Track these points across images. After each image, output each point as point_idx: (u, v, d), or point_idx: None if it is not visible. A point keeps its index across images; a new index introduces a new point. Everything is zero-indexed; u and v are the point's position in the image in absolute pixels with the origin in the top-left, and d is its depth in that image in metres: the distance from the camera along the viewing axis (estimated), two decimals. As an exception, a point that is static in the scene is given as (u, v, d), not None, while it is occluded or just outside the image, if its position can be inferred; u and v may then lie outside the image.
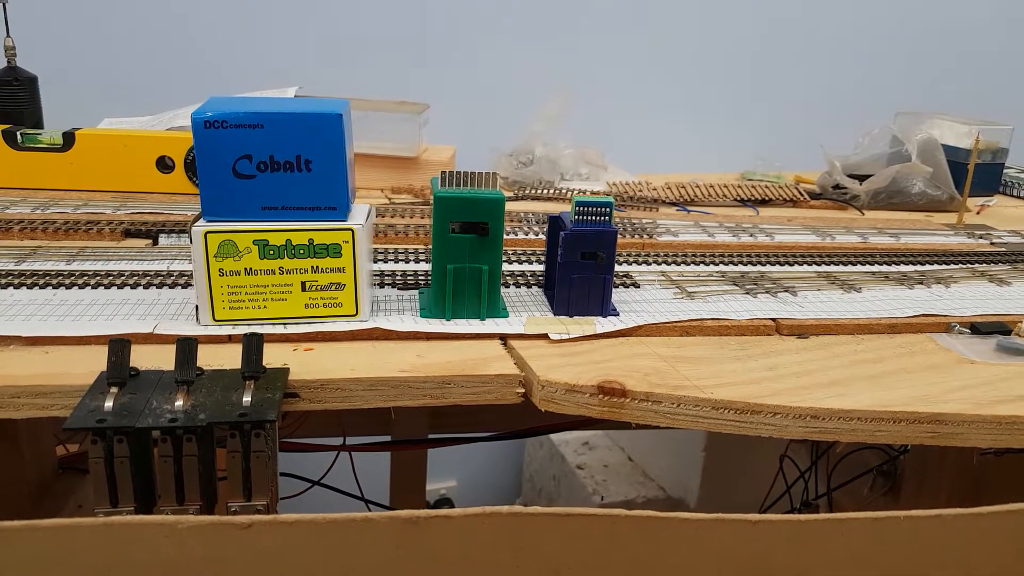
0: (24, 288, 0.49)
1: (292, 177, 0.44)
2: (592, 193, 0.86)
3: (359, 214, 0.47)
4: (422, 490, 1.08)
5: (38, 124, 0.80)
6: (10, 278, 0.50)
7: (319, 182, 0.44)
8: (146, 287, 0.51)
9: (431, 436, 0.95)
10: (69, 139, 0.74)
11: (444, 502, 1.46)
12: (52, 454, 0.67)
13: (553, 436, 1.42)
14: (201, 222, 0.44)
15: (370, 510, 0.71)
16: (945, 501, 0.69)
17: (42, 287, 0.50)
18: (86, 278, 0.51)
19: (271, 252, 0.44)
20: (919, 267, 0.65)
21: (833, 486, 0.75)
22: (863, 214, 0.85)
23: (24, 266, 0.53)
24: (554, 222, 0.53)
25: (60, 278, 0.51)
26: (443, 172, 0.47)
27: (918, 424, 0.42)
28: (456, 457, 1.44)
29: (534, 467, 1.49)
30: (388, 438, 0.92)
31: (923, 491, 0.67)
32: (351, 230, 0.45)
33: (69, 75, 0.95)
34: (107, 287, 0.50)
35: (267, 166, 0.44)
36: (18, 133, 0.74)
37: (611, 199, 0.49)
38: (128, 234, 0.63)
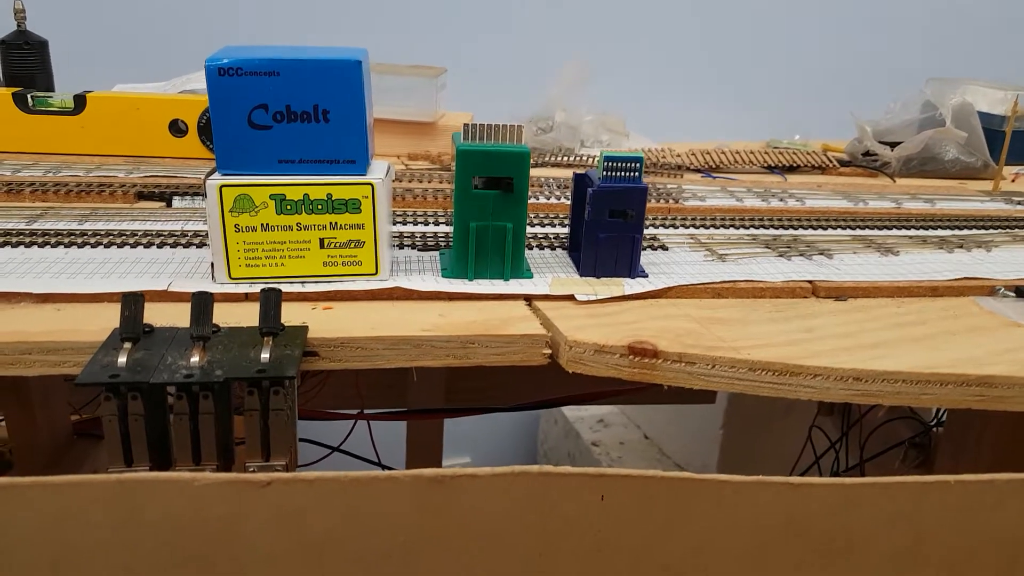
0: (35, 247, 0.48)
1: (310, 128, 0.42)
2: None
3: (378, 169, 0.45)
4: (438, 462, 1.06)
5: (49, 89, 0.78)
6: (21, 237, 0.49)
7: (338, 134, 0.43)
8: (160, 247, 0.49)
9: (447, 407, 0.93)
10: (80, 102, 0.72)
11: (459, 478, 1.45)
12: (66, 420, 0.66)
13: (568, 413, 1.41)
14: (216, 175, 0.43)
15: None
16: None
17: (53, 246, 0.48)
18: (98, 237, 0.49)
19: (288, 207, 0.43)
20: (957, 232, 0.63)
21: (864, 458, 0.73)
22: (894, 181, 0.83)
23: (36, 226, 0.52)
24: (579, 180, 0.51)
25: (72, 237, 0.49)
26: (465, 125, 0.45)
27: (966, 387, 0.40)
28: (471, 433, 1.43)
29: (549, 444, 1.47)
30: (405, 409, 0.91)
31: (959, 464, 0.65)
32: (371, 184, 0.43)
33: (81, 41, 0.93)
34: (120, 246, 0.49)
35: (284, 116, 0.42)
36: (29, 96, 0.72)
37: (640, 154, 0.47)
38: (141, 196, 0.61)
